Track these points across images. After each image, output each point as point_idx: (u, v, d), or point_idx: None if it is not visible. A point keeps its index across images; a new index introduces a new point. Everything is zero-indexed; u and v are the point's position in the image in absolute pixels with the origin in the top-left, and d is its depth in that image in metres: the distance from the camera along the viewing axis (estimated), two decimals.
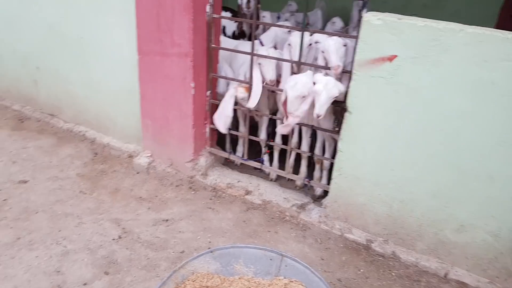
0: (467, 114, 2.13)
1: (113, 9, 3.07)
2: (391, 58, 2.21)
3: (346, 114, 2.45)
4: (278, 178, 3.31)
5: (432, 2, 4.89)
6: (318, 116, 2.39)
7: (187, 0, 2.59)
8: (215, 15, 2.81)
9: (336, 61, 2.45)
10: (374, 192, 2.53)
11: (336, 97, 2.42)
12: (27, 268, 2.25)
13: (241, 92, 2.84)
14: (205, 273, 1.92)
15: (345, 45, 2.53)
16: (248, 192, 2.98)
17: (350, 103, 2.42)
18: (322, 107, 2.37)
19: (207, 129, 3.12)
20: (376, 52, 2.24)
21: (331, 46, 2.47)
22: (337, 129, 2.60)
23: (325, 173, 3.09)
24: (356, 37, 2.30)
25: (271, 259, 2.00)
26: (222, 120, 2.95)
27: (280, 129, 2.70)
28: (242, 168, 3.34)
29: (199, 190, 3.04)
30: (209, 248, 2.43)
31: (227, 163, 3.39)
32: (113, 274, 2.22)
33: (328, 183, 2.84)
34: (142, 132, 3.22)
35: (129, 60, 3.06)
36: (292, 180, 3.16)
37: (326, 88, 2.37)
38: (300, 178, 3.04)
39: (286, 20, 4.19)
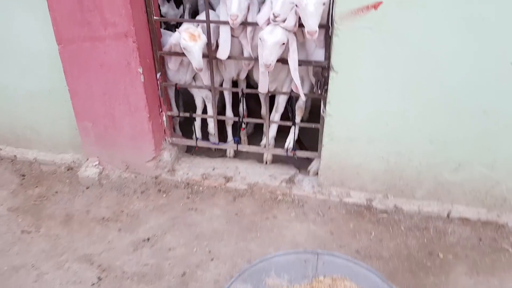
0: (457, 53, 2.04)
1: None
2: (376, 5, 1.99)
3: (332, 74, 2.19)
4: (239, 154, 2.94)
5: None
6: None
7: None
8: None
9: (314, 25, 1.98)
10: (369, 149, 2.38)
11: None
12: None
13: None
14: None
15: (324, 4, 2.03)
16: (228, 179, 2.61)
17: (334, 61, 2.16)
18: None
19: (164, 118, 2.62)
20: (359, 1, 2.00)
21: (309, 6, 1.94)
22: (319, 92, 2.32)
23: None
24: None
25: (305, 261, 1.75)
26: None
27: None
28: (209, 153, 2.94)
29: (171, 191, 2.59)
30: (212, 260, 2.11)
31: (194, 152, 2.92)
32: None
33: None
34: (81, 137, 2.62)
35: (45, 52, 2.43)
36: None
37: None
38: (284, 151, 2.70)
39: None
